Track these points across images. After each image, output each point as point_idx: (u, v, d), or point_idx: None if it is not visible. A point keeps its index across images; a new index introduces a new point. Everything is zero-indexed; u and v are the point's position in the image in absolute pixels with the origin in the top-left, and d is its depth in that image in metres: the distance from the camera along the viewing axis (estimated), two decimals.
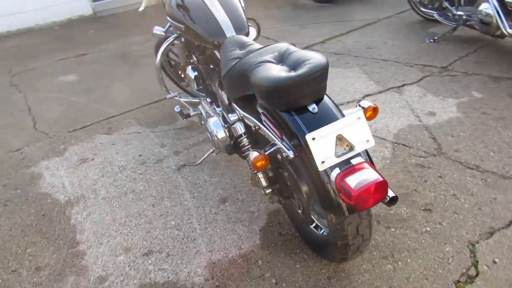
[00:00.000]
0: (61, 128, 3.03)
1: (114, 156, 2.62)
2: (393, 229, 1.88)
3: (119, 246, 1.92)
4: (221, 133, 1.90)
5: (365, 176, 1.22)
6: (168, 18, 2.21)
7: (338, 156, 1.26)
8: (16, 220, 2.14)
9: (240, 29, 1.93)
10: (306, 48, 4.22)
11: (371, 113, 1.44)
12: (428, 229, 1.87)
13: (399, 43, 4.08)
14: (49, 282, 1.76)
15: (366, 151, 1.35)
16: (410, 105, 2.91)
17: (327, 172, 1.27)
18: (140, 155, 2.61)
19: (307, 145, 1.24)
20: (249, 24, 2.30)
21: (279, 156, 1.45)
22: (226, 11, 1.96)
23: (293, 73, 1.32)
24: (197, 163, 2.42)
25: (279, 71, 1.35)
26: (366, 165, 1.26)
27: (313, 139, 1.23)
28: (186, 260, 1.81)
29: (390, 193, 1.55)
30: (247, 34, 1.96)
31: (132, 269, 1.79)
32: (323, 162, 1.24)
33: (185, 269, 1.77)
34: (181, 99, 2.54)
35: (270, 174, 1.67)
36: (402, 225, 1.90)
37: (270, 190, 1.64)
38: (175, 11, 2.10)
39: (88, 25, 6.10)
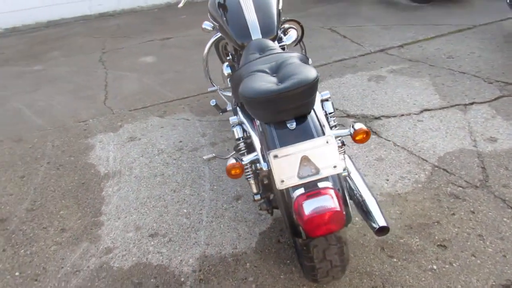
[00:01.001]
0: (125, 106, 3.33)
1: (158, 139, 2.81)
2: (395, 259, 1.76)
3: (132, 224, 2.08)
4: None
5: (323, 203, 1.17)
6: (209, 15, 2.29)
7: (301, 178, 1.22)
8: (61, 183, 2.44)
9: (268, 32, 1.93)
10: (381, 51, 4.01)
11: (362, 136, 1.37)
12: (435, 267, 1.71)
13: (487, 54, 3.66)
14: (67, 244, 2.00)
15: (339, 177, 1.29)
16: (470, 127, 2.63)
17: (289, 191, 1.25)
18: (180, 141, 2.76)
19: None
20: (291, 26, 2.29)
21: (253, 167, 1.45)
22: (257, 13, 1.97)
23: (274, 87, 1.30)
24: (227, 157, 2.49)
25: (264, 83, 1.34)
26: (331, 191, 1.21)
27: (275, 156, 1.21)
28: (183, 249, 1.91)
29: (382, 223, 1.48)
30: (275, 38, 1.95)
31: (135, 247, 1.94)
32: (282, 181, 1.22)
33: (179, 257, 1.87)
34: (221, 93, 2.62)
35: (265, 182, 1.67)
36: (407, 257, 1.77)
37: (259, 197, 1.64)
38: (213, 9, 2.16)
39: (185, 10, 6.46)
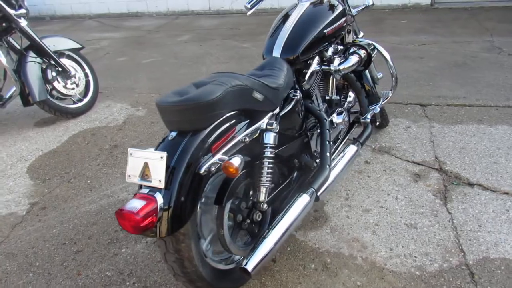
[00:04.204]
0: None
1: None
2: None
3: None
4: None
5: (136, 205, 1.31)
6: None
7: (141, 179, 1.38)
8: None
9: (288, 52, 1.92)
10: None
11: (228, 170, 1.39)
12: None
13: None
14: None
15: (176, 197, 1.35)
16: None
17: (140, 187, 1.43)
18: None
19: None
20: (357, 51, 2.15)
21: None
22: (291, 31, 1.97)
23: (172, 99, 1.44)
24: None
25: (174, 94, 1.49)
26: (152, 202, 1.32)
27: (131, 154, 1.41)
28: None
29: (249, 266, 1.48)
30: (295, 59, 1.92)
31: None
32: (129, 176, 1.41)
33: None
34: None
35: None
36: None
37: None
38: (275, 21, 2.23)
39: (415, 14, 6.12)
